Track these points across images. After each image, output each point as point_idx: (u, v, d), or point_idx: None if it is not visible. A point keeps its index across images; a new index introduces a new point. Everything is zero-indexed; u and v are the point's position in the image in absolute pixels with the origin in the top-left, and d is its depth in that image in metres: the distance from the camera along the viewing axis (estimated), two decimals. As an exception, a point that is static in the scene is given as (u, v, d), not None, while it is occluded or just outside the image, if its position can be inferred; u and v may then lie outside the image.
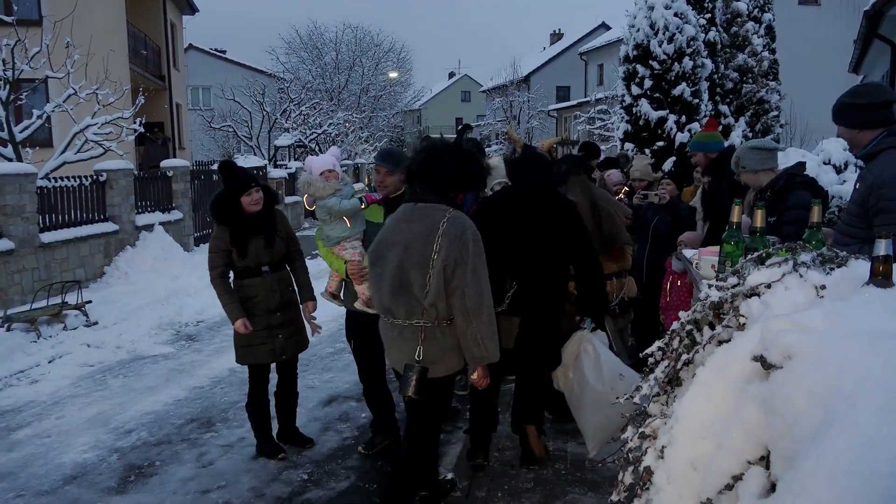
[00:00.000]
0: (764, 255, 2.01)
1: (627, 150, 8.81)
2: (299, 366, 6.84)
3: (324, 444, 4.95)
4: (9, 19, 11.77)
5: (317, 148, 27.06)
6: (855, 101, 3.03)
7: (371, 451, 4.73)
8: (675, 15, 8.72)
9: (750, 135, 11.79)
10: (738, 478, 1.25)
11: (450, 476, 4.20)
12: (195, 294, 10.06)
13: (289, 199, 19.93)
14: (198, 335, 8.22)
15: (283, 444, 4.78)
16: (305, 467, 4.56)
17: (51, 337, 7.95)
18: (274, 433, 4.84)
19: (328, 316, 8.34)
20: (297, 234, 15.73)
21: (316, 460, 4.67)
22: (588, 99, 31.10)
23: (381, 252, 3.35)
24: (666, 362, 2.06)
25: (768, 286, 1.86)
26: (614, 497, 1.61)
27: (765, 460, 1.23)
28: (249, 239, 4.39)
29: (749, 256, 2.10)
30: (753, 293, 1.89)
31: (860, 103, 3.01)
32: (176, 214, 13.81)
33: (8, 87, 11.19)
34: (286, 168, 21.39)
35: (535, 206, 4.07)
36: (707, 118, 9.50)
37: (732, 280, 2.00)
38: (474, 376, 3.42)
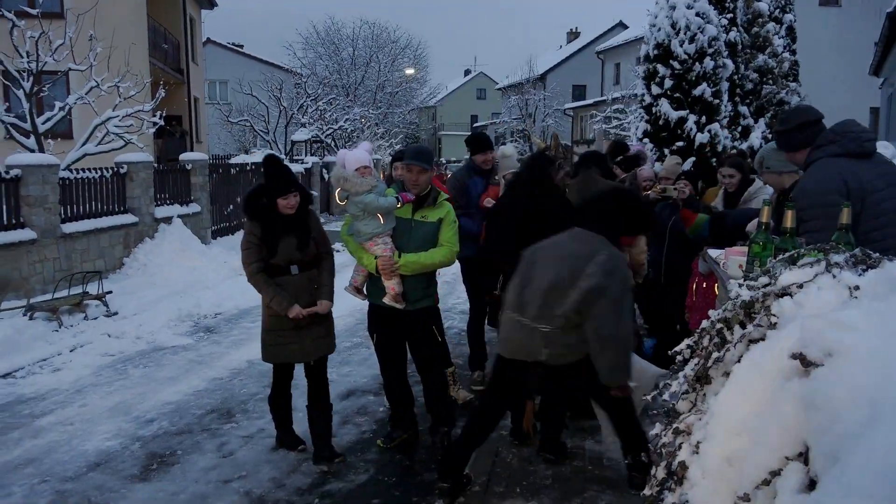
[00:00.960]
0: (795, 255, 2.02)
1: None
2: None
3: (342, 437, 4.99)
4: (33, 12, 11.90)
5: (333, 144, 27.13)
6: (783, 128, 3.38)
7: (390, 445, 4.77)
8: (697, 15, 8.68)
9: (770, 136, 11.73)
10: (775, 473, 1.27)
11: (466, 471, 4.23)
12: (213, 286, 10.15)
13: (305, 194, 20.02)
14: (216, 327, 8.30)
15: (318, 465, 4.52)
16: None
17: (72, 326, 8.05)
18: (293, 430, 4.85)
19: (345, 310, 8.40)
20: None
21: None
22: (604, 98, 31.03)
23: (536, 257, 3.71)
24: (695, 360, 2.08)
25: (800, 286, 1.88)
26: (647, 491, 1.63)
27: (803, 456, 1.25)
28: (281, 238, 4.29)
29: (780, 257, 2.11)
30: (785, 293, 1.90)
31: (787, 128, 3.35)
32: (194, 207, 13.92)
33: (32, 78, 11.31)
34: (302, 163, 21.49)
35: (531, 206, 4.38)
36: (727, 119, 9.45)
37: (764, 280, 2.01)
38: (613, 392, 3.65)
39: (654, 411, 4.49)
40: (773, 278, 1.97)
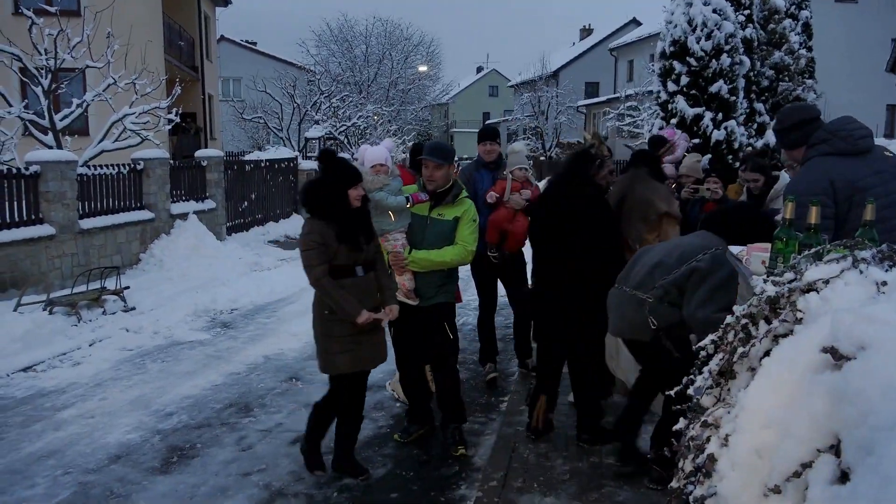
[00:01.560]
0: (821, 251, 2.02)
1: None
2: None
3: (360, 431, 5.01)
4: (51, 10, 12.01)
5: (346, 141, 27.20)
6: (779, 127, 3.47)
7: (407, 440, 4.80)
8: (714, 11, 8.64)
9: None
10: (806, 465, 1.28)
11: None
12: (228, 282, 10.22)
13: (318, 191, 20.08)
14: (232, 323, 8.36)
15: (337, 473, 4.33)
16: (343, 453, 4.62)
17: (91, 321, 8.14)
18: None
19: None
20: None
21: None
22: (617, 95, 30.94)
23: (653, 246, 4.07)
24: (720, 355, 2.09)
25: (826, 282, 1.89)
26: (674, 483, 1.65)
27: (834, 449, 1.26)
28: (350, 235, 3.97)
29: (805, 253, 2.12)
30: (811, 288, 1.91)
31: (783, 127, 3.41)
32: (209, 204, 14.01)
33: (50, 76, 11.41)
34: (316, 160, 21.55)
35: (563, 205, 4.48)
36: (743, 116, 9.42)
37: (789, 275, 2.02)
38: None
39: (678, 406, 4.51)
40: (799, 274, 1.98)
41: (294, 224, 17.67)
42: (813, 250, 2.06)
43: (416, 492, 4.18)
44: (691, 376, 2.26)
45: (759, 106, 11.02)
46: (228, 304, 9.12)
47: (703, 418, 1.65)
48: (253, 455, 4.67)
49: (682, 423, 2.11)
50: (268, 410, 5.48)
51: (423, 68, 43.94)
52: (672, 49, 8.89)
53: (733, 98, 8.83)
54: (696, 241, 3.78)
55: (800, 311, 1.84)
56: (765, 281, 2.07)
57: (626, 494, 4.00)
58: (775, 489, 1.30)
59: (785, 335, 1.87)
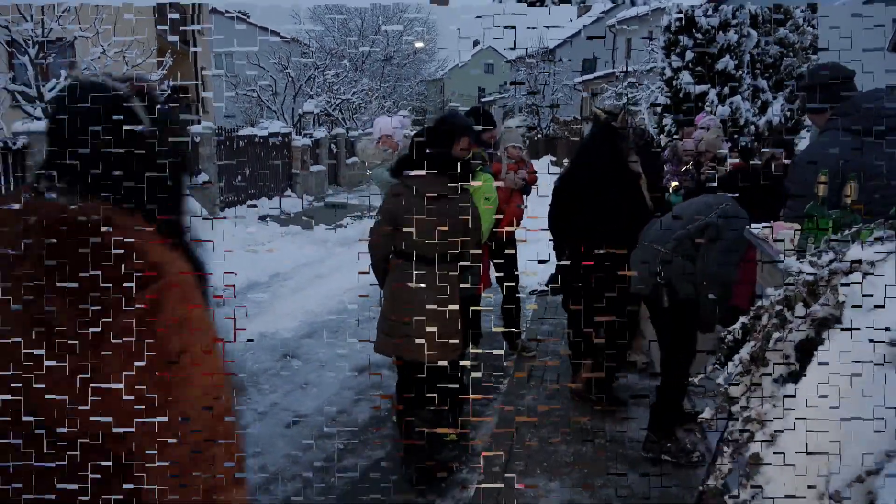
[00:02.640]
0: (865, 229, 1.88)
1: (666, 124, 8.61)
2: (329, 335, 6.83)
3: (358, 413, 4.91)
4: (38, -23, 11.66)
5: (341, 116, 26.87)
6: (805, 83, 3.35)
7: (406, 422, 4.67)
8: (721, -16, 8.45)
9: (788, 112, 11.49)
10: (872, 472, 1.14)
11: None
12: (222, 259, 10.03)
13: (314, 168, 19.88)
14: (227, 299, 8.18)
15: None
16: (340, 436, 4.52)
17: (80, 297, 7.97)
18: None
19: (357, 284, 8.30)
20: (321, 202, 15.58)
21: (351, 429, 4.62)
22: (614, 71, 30.60)
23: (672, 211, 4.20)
24: (752, 342, 1.95)
25: (872, 263, 1.74)
26: (711, 482, 1.51)
27: (907, 453, 1.12)
28: None
29: (845, 232, 1.97)
30: (853, 270, 1.77)
31: (809, 84, 3.28)
32: (202, 178, 13.76)
33: (37, 46, 11.12)
34: (310, 136, 21.27)
35: (575, 185, 4.65)
36: (748, 92, 9.25)
37: (828, 256, 1.88)
38: None
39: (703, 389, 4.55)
40: (839, 255, 1.84)
41: (288, 200, 17.43)
42: (854, 229, 1.92)
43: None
44: (715, 363, 2.13)
45: (763, 83, 10.85)
46: (221, 280, 8.94)
47: (745, 413, 1.51)
48: (248, 437, 4.53)
49: (707, 413, 1.98)
50: (262, 391, 5.34)
51: (419, 44, 43.44)
52: (678, 24, 8.70)
53: (739, 73, 8.66)
54: (707, 199, 3.97)
55: (842, 294, 1.71)
56: (801, 261, 1.93)
57: (630, 479, 3.90)
58: (836, 496, 1.16)
59: (825, 319, 1.74)
